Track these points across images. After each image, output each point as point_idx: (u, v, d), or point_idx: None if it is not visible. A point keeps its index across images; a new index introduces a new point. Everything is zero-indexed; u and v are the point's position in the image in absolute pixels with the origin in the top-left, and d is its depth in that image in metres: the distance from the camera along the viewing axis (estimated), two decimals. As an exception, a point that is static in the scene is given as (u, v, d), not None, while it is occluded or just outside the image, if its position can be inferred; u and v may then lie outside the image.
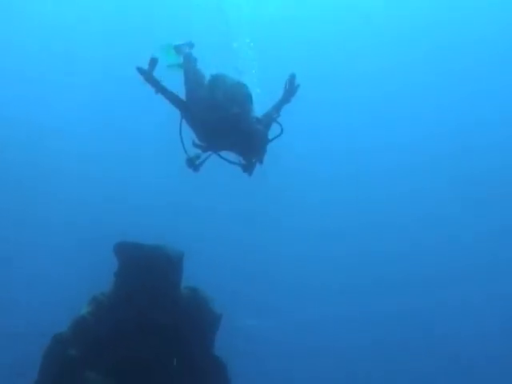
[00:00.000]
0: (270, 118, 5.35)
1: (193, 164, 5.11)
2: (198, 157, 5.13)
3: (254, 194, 13.56)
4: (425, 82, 19.06)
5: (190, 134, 5.31)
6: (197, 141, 5.23)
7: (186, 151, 5.15)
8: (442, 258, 18.45)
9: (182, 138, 5.14)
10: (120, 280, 5.86)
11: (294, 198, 17.98)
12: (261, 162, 5.07)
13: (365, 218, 18.96)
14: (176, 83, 5.54)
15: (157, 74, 5.25)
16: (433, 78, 19.04)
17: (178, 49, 6.41)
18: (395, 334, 17.14)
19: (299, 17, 17.33)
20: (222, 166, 5.21)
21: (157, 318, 5.73)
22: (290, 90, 5.79)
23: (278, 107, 5.67)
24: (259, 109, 5.34)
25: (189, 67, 5.99)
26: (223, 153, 5.22)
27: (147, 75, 5.19)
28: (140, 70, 5.18)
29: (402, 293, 17.69)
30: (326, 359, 16.30)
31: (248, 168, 5.08)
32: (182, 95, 5.47)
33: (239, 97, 5.13)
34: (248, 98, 5.18)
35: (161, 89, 5.19)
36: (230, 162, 5.09)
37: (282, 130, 5.14)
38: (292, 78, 5.80)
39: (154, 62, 5.20)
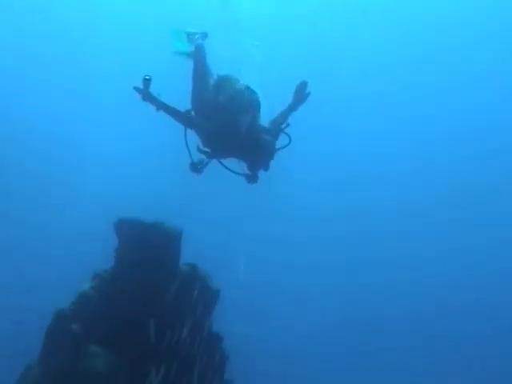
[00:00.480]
0: (278, 128, 5.19)
1: (196, 168, 5.05)
2: (201, 162, 5.07)
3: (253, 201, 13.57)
4: (426, 83, 19.29)
5: (195, 138, 5.23)
6: (202, 146, 5.12)
7: (190, 155, 5.07)
8: (440, 265, 18.65)
9: (186, 142, 5.04)
10: (120, 256, 6.02)
11: (289, 202, 18.05)
12: (266, 169, 4.97)
13: (363, 224, 19.16)
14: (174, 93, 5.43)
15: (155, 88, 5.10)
16: (436, 79, 19.20)
17: (190, 36, 6.23)
18: (394, 340, 17.29)
19: (302, 15, 17.47)
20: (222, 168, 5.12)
21: (157, 293, 5.88)
22: (300, 97, 5.62)
23: (285, 114, 5.52)
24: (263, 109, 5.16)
25: (199, 59, 5.79)
26: (228, 161, 5.10)
27: (144, 94, 5.02)
28: (137, 89, 5.04)
29: (401, 298, 17.90)
30: (322, 365, 16.40)
31: (252, 179, 4.99)
32: (183, 93, 5.43)
33: (247, 104, 4.99)
34: (256, 106, 5.05)
35: (161, 105, 5.06)
36: (234, 172, 4.97)
37: (290, 140, 5.02)
38: (303, 85, 5.63)
39: (147, 82, 5.02)
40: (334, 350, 16.78)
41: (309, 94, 5.63)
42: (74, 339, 5.79)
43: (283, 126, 5.21)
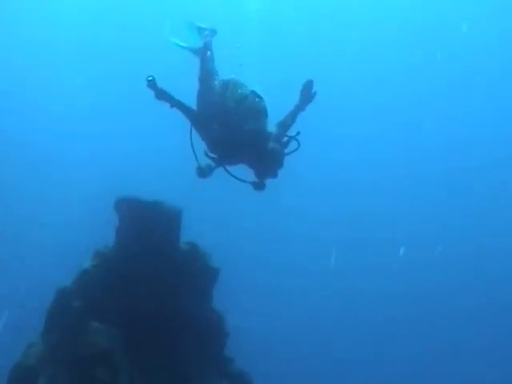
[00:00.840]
0: (285, 132, 4.99)
1: (203, 174, 4.89)
2: (209, 167, 4.88)
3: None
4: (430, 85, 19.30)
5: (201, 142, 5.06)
6: (208, 152, 4.94)
7: (197, 159, 4.90)
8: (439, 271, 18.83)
9: (192, 146, 4.89)
10: (120, 234, 6.07)
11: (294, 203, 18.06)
12: (275, 176, 4.76)
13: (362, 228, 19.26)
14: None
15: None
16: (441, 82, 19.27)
17: (200, 32, 5.95)
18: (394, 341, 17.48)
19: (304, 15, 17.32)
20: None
21: (157, 270, 5.95)
22: (307, 97, 5.40)
23: (293, 115, 5.31)
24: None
25: (207, 58, 5.53)
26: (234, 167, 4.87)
27: (159, 92, 4.81)
28: (151, 85, 4.78)
29: (404, 302, 18.11)
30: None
31: (260, 186, 4.80)
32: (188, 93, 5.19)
33: (254, 110, 4.80)
34: (263, 112, 4.86)
35: (176, 103, 4.89)
36: (241, 180, 4.78)
37: (299, 144, 4.79)
38: (309, 84, 5.41)
39: (152, 83, 4.80)
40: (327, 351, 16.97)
41: (315, 93, 5.40)
42: (75, 316, 5.87)
43: (295, 134, 4.92)
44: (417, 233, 19.41)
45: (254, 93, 4.94)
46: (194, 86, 5.33)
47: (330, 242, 18.37)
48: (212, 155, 4.89)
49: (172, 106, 4.94)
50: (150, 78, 4.81)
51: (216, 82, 5.26)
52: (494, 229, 19.50)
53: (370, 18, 17.99)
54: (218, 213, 16.91)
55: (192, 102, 5.22)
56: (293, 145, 4.82)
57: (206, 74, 5.38)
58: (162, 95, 4.87)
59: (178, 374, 5.97)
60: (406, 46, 18.75)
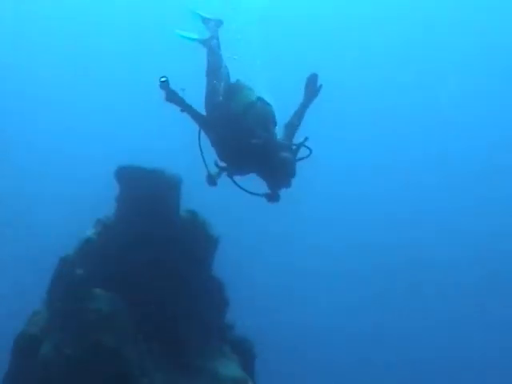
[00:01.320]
0: (295, 134, 4.78)
1: (213, 182, 4.69)
2: (218, 174, 4.68)
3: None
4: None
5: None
6: (218, 161, 4.71)
7: (206, 166, 4.68)
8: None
9: (202, 152, 4.69)
10: (121, 203, 6.19)
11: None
12: (289, 186, 4.53)
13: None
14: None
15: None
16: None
17: (205, 23, 5.70)
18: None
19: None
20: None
21: (158, 237, 6.06)
22: (312, 92, 5.13)
23: (299, 114, 5.07)
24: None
25: (214, 51, 5.30)
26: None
27: (170, 94, 4.55)
28: (164, 87, 4.51)
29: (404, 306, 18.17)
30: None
31: (273, 198, 4.58)
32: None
33: (262, 119, 4.56)
34: (272, 120, 4.64)
35: (187, 107, 4.63)
36: (253, 194, 4.56)
37: (310, 151, 4.54)
38: (313, 77, 5.14)
39: (165, 84, 4.54)
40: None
41: (321, 86, 5.12)
42: (78, 283, 5.99)
43: (303, 140, 4.61)
44: (421, 239, 19.54)
45: (261, 99, 4.72)
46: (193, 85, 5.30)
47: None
48: (222, 165, 4.66)
49: (182, 111, 4.69)
50: (164, 79, 4.53)
51: (222, 83, 5.02)
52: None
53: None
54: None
55: (200, 105, 4.94)
56: (304, 151, 4.52)
57: (213, 67, 5.16)
58: (173, 98, 4.61)
59: (180, 339, 6.09)
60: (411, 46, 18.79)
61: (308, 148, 4.54)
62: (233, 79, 5.14)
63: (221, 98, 4.87)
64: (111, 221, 6.17)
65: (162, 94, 4.57)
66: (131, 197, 6.12)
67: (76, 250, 6.16)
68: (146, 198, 6.08)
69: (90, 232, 6.15)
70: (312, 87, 5.14)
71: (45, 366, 5.70)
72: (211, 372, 6.21)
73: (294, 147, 4.55)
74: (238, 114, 4.64)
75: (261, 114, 4.60)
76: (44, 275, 6.25)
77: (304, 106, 5.10)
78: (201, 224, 6.23)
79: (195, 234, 6.21)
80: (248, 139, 4.42)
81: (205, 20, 5.71)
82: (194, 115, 4.75)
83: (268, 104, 4.71)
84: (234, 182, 4.61)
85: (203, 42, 5.54)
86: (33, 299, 6.30)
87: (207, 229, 6.36)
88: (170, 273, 6.11)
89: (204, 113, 4.92)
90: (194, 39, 5.69)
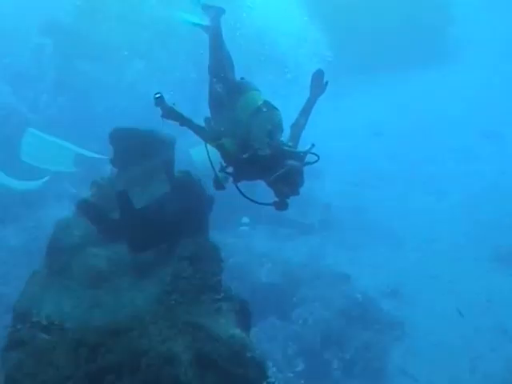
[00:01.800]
0: (301, 134, 4.77)
1: (221, 186, 4.70)
2: (226, 179, 4.71)
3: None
4: None
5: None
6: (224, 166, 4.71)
7: (214, 170, 4.66)
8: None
9: (209, 157, 4.68)
10: (116, 164, 6.25)
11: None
12: (297, 194, 4.46)
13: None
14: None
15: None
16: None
17: (205, 9, 5.67)
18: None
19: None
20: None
21: (154, 196, 6.14)
22: (318, 88, 5.10)
23: (305, 113, 5.04)
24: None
25: (215, 42, 5.21)
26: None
27: (166, 111, 4.47)
28: (159, 103, 4.43)
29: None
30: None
31: (282, 206, 4.55)
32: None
33: (268, 125, 4.46)
34: (279, 126, 4.55)
35: (186, 122, 4.60)
36: (260, 203, 4.56)
37: (318, 157, 4.50)
38: (319, 74, 5.11)
39: (160, 100, 4.47)
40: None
41: (327, 82, 5.08)
42: (76, 244, 6.08)
43: (309, 147, 4.60)
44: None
45: (267, 103, 4.61)
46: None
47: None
48: (228, 171, 4.64)
49: (182, 124, 4.63)
50: (158, 96, 4.45)
51: (222, 85, 4.92)
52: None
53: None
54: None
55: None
56: (311, 157, 4.53)
57: (215, 56, 5.09)
58: (170, 114, 4.54)
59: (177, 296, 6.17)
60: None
61: (315, 155, 4.51)
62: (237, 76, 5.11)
63: (225, 102, 4.80)
64: (107, 182, 6.23)
65: (158, 111, 4.52)
66: (126, 156, 6.18)
67: (73, 212, 6.23)
68: (141, 156, 6.13)
69: (86, 193, 6.22)
70: (318, 84, 5.11)
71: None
72: (207, 329, 6.31)
73: (301, 154, 4.49)
74: (243, 121, 4.56)
75: (267, 121, 4.49)
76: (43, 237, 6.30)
77: (309, 105, 5.06)
78: (196, 182, 6.30)
79: (191, 191, 6.25)
80: (254, 150, 4.39)
81: (205, 7, 5.69)
82: (195, 129, 4.69)
83: (275, 108, 4.63)
84: (241, 193, 4.60)
85: (205, 28, 5.52)
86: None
87: (202, 188, 6.43)
88: (167, 231, 6.20)
89: (205, 118, 4.95)
90: (196, 24, 5.74)
